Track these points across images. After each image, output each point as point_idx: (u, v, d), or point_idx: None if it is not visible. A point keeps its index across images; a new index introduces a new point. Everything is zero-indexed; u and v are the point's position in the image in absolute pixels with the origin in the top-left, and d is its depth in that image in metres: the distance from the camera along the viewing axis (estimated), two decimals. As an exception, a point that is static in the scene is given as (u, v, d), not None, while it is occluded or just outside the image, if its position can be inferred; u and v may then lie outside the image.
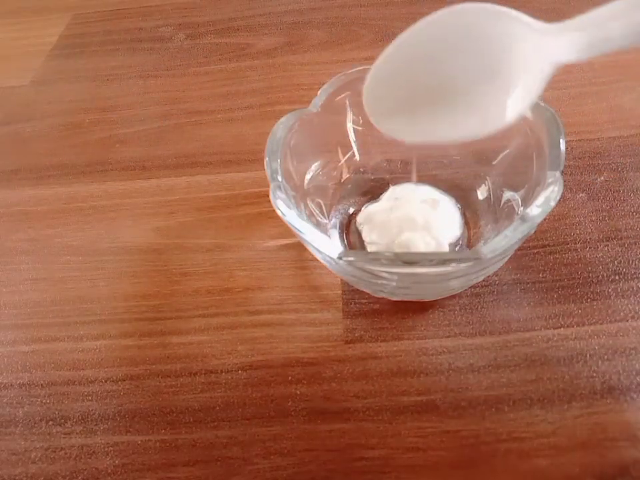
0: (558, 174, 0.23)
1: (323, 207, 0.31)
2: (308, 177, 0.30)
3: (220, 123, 0.41)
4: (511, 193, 0.28)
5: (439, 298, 0.29)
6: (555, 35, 0.17)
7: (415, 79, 0.19)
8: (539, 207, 0.22)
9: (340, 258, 0.22)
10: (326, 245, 0.23)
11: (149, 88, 0.45)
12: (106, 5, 0.54)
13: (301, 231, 0.24)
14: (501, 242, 0.22)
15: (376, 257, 0.23)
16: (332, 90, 0.29)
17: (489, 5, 0.17)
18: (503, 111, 0.19)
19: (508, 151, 0.29)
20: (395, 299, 0.29)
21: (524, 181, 0.27)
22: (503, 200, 0.29)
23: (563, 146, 0.24)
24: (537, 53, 0.17)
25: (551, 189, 0.23)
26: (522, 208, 0.27)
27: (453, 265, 0.22)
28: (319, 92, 0.29)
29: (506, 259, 0.26)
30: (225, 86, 0.44)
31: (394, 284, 0.26)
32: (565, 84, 0.39)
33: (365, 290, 0.29)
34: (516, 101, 0.18)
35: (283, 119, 0.28)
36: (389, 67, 0.19)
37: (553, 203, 0.22)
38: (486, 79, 0.18)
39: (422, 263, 0.22)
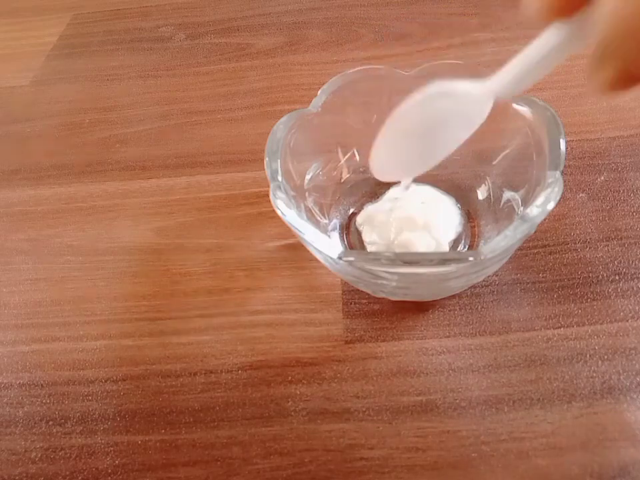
0: (558, 174, 0.23)
1: (323, 207, 0.31)
2: (308, 177, 0.30)
3: (220, 123, 0.41)
4: (511, 193, 0.28)
5: (439, 298, 0.29)
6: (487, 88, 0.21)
7: (406, 146, 0.25)
8: (538, 207, 0.22)
9: (340, 258, 0.22)
10: (326, 245, 0.23)
11: (149, 88, 0.45)
12: (106, 4, 0.54)
13: (300, 231, 0.24)
14: (500, 242, 0.22)
15: (376, 257, 0.23)
16: (332, 90, 0.29)
17: (442, 86, 0.22)
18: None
19: (508, 150, 0.29)
20: (394, 299, 0.29)
21: (524, 181, 0.27)
22: (503, 200, 0.29)
23: (563, 146, 0.24)
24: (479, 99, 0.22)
25: (550, 189, 0.23)
26: (522, 208, 0.27)
27: (453, 265, 0.22)
28: (319, 92, 0.29)
29: (506, 259, 0.26)
30: (225, 86, 0.44)
31: (394, 284, 0.26)
32: (565, 84, 0.39)
33: (365, 290, 0.29)
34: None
35: (283, 119, 0.28)
36: (385, 142, 0.25)
37: (553, 203, 0.22)
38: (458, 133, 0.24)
39: (422, 263, 0.22)
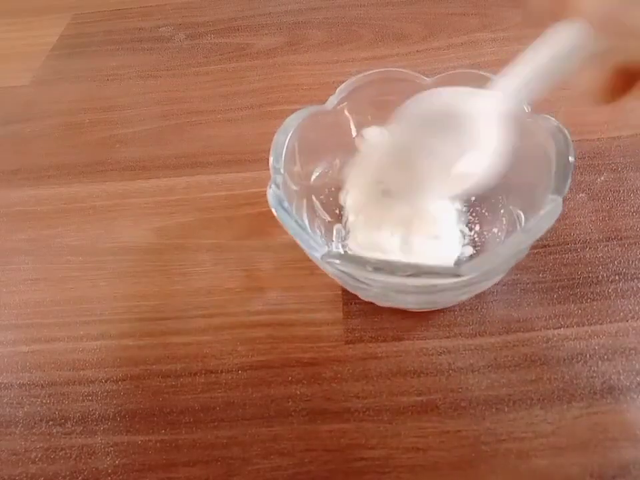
0: (559, 199, 0.22)
1: (329, 205, 0.31)
2: (314, 175, 0.30)
3: (220, 123, 0.41)
4: (516, 210, 0.28)
5: (425, 310, 0.28)
6: (495, 96, 0.22)
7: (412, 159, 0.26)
8: (526, 233, 0.22)
9: (323, 258, 0.22)
10: (310, 244, 0.23)
11: (149, 88, 0.45)
12: (106, 5, 0.54)
13: (288, 228, 0.23)
14: (483, 263, 0.22)
15: (361, 262, 0.22)
16: (348, 89, 0.29)
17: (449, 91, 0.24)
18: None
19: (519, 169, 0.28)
20: (380, 304, 0.28)
21: (528, 200, 0.26)
22: (510, 214, 0.29)
23: (570, 168, 0.23)
24: (488, 113, 0.23)
25: (548, 212, 0.22)
26: (524, 224, 0.26)
27: (427, 278, 0.22)
28: (336, 90, 0.29)
29: (497, 278, 0.25)
30: (225, 86, 0.44)
31: (376, 290, 0.25)
32: (565, 84, 0.39)
33: (353, 292, 0.28)
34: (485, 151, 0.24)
35: (292, 115, 0.28)
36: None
37: (541, 232, 0.22)
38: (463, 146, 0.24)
39: (396, 273, 0.22)
